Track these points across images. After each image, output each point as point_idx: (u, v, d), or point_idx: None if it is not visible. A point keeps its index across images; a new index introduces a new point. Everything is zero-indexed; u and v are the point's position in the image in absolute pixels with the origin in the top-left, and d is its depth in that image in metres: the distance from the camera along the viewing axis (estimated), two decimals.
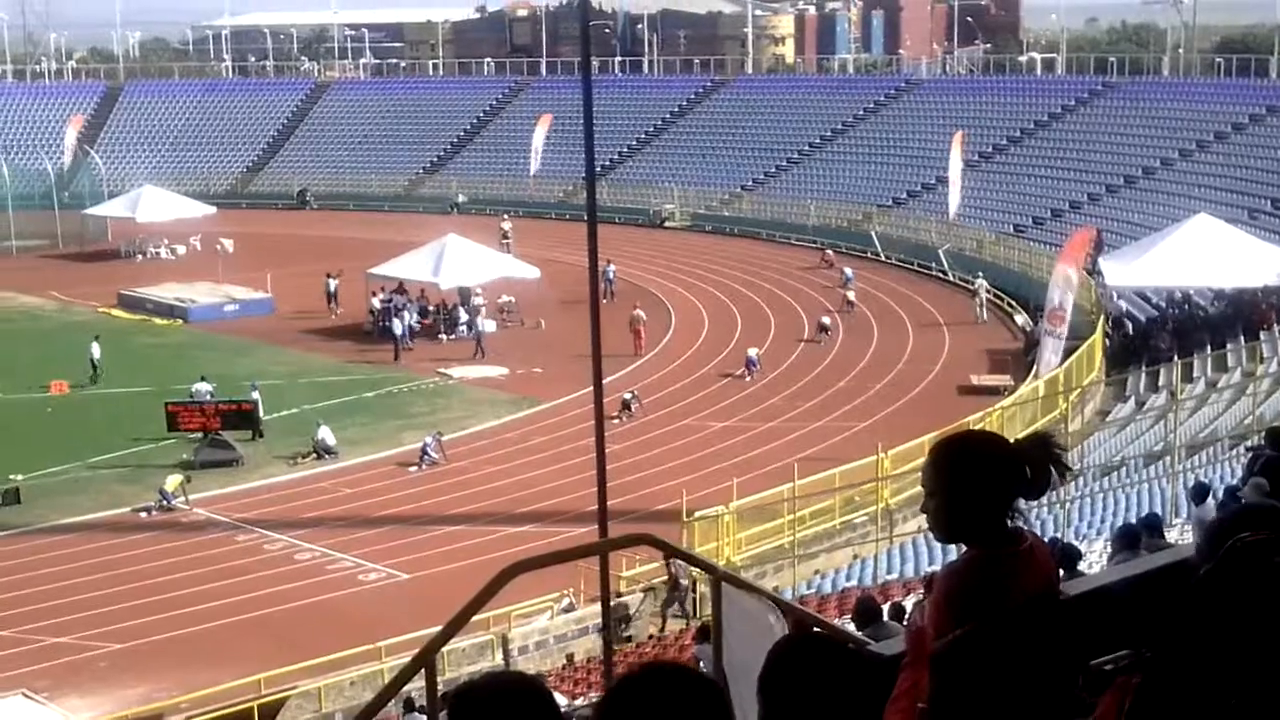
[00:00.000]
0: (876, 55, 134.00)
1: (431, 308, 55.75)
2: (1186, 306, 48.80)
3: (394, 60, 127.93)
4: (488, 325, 54.77)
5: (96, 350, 49.18)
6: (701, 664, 18.09)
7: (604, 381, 7.93)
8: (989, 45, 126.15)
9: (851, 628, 12.01)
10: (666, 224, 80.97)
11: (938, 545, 24.17)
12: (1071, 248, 46.21)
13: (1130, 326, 49.03)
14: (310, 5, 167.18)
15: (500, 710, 3.22)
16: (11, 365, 50.54)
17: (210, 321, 58.02)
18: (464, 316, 54.55)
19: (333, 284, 58.39)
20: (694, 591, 28.78)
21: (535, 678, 3.48)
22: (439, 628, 5.91)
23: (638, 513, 30.67)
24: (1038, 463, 4.09)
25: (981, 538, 4.08)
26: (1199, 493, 17.05)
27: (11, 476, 38.18)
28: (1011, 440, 4.19)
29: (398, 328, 52.04)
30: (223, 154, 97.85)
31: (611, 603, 26.13)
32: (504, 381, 48.67)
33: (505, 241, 68.43)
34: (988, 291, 56.11)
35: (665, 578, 28.67)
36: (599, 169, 79.20)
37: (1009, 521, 4.10)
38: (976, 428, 31.07)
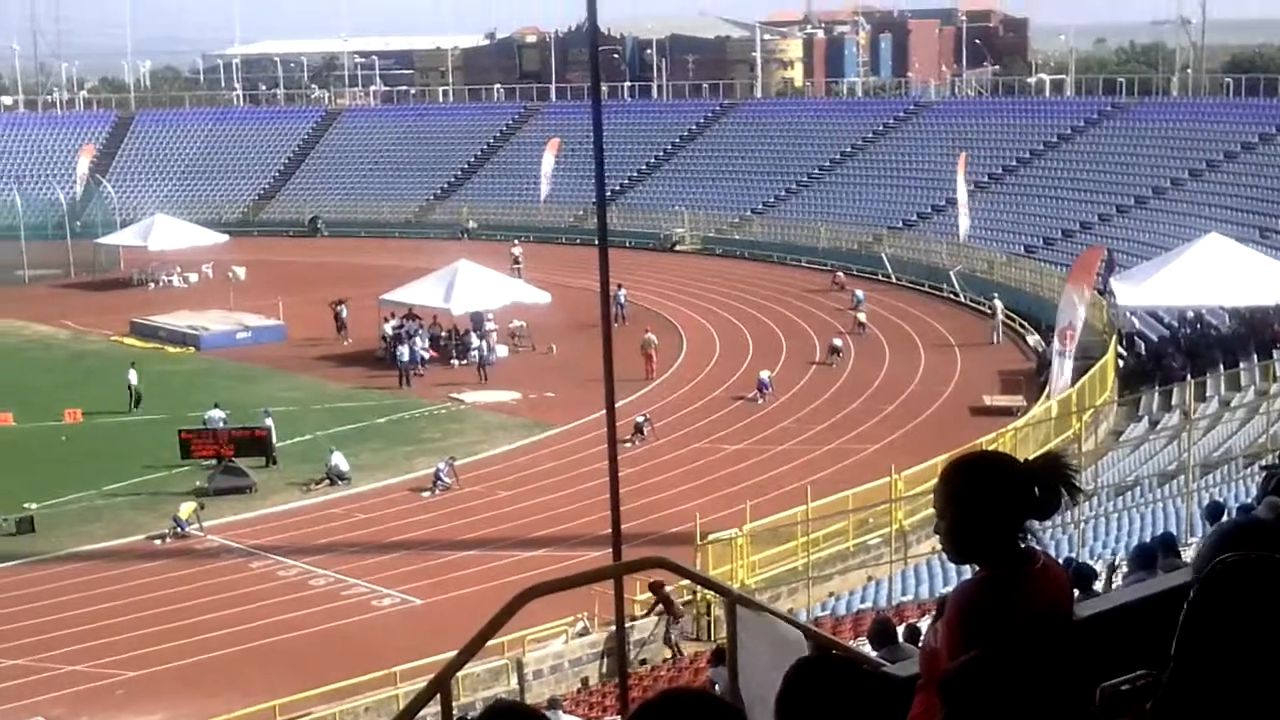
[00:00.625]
0: (885, 78, 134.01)
1: (444, 333, 55.78)
2: (1199, 326, 48.75)
3: (404, 87, 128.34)
4: (499, 350, 54.89)
5: (134, 377, 49.31)
6: (717, 687, 18.06)
7: (616, 405, 7.95)
8: (997, 67, 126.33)
9: (867, 649, 12.00)
10: (677, 248, 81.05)
11: (952, 566, 24.12)
12: (1080, 267, 46.22)
13: (1143, 346, 48.99)
14: (320, 33, 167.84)
15: None
16: (25, 394, 50.65)
17: (222, 349, 58.09)
18: (475, 342, 54.61)
19: (344, 310, 58.39)
20: (708, 614, 28.77)
21: (533, 709, 3.50)
22: (454, 653, 5.92)
23: (651, 536, 30.66)
24: (1048, 483, 4.10)
25: (992, 558, 4.09)
26: (1214, 512, 17.01)
27: (26, 505, 38.23)
28: (1022, 460, 4.21)
29: (404, 354, 52.07)
30: (234, 182, 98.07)
31: (626, 626, 26.10)
32: (516, 406, 48.69)
33: (516, 267, 68.55)
34: (1002, 313, 56.12)
35: (658, 606, 28.32)
36: (609, 193, 79.39)
37: (1021, 542, 4.12)
38: (988, 448, 31.16)
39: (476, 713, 3.33)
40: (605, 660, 27.55)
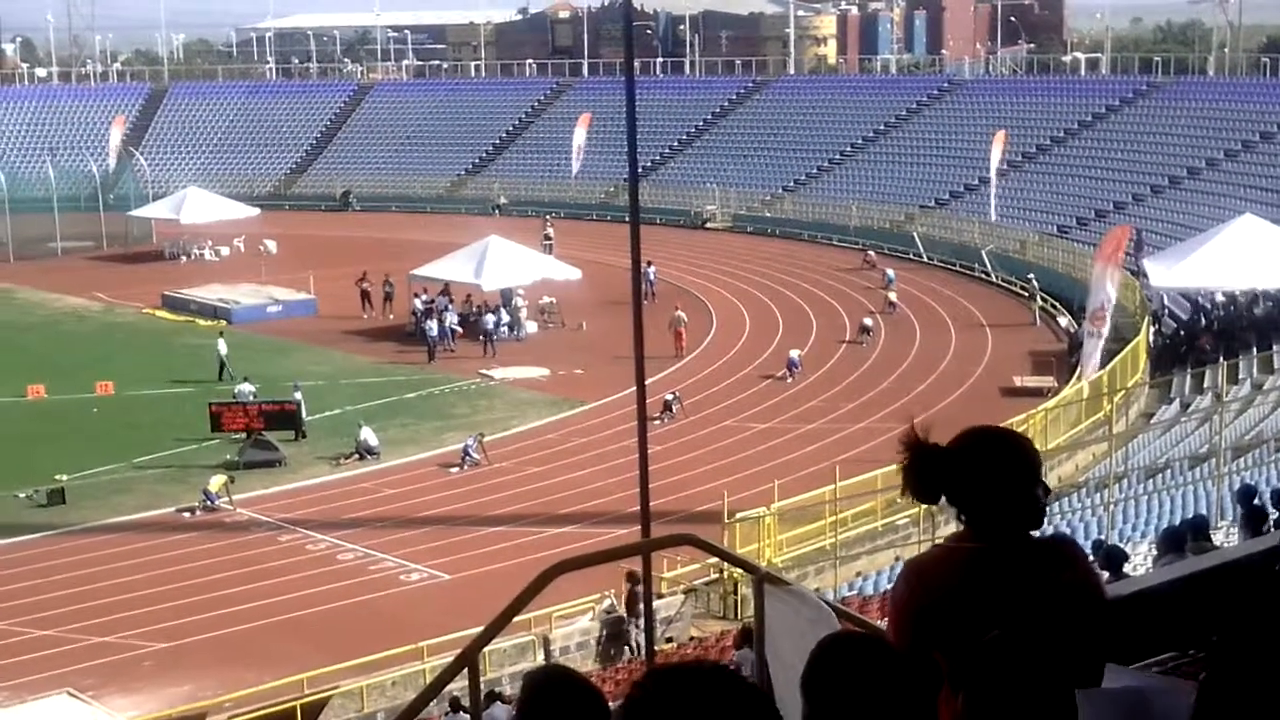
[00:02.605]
0: (919, 56, 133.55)
1: (474, 309, 55.76)
2: (1232, 308, 48.48)
3: (436, 62, 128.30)
4: (529, 326, 54.94)
5: (223, 347, 49.55)
6: (744, 668, 18.06)
7: (645, 383, 7.92)
8: (1032, 45, 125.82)
9: None
10: (708, 225, 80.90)
11: None
12: (1107, 246, 46.05)
13: (1175, 328, 48.74)
14: (353, 7, 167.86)
15: (574, 703, 3.26)
16: (57, 366, 50.89)
17: (253, 322, 58.21)
18: (505, 318, 54.65)
19: (390, 287, 58.24)
20: (735, 593, 28.72)
21: (579, 677, 3.50)
22: (481, 628, 5.91)
23: (679, 514, 30.65)
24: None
25: (977, 525, 4.09)
26: (1245, 495, 16.94)
27: (57, 476, 38.44)
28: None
29: (432, 329, 52.12)
30: (266, 156, 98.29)
31: (653, 604, 26.00)
32: (545, 383, 48.72)
33: (547, 243, 68.50)
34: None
35: (624, 598, 27.37)
36: (640, 170, 79.30)
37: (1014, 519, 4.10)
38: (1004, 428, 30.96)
39: (504, 687, 3.33)
40: (632, 637, 27.52)
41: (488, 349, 51.87)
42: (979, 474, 4.12)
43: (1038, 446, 4.29)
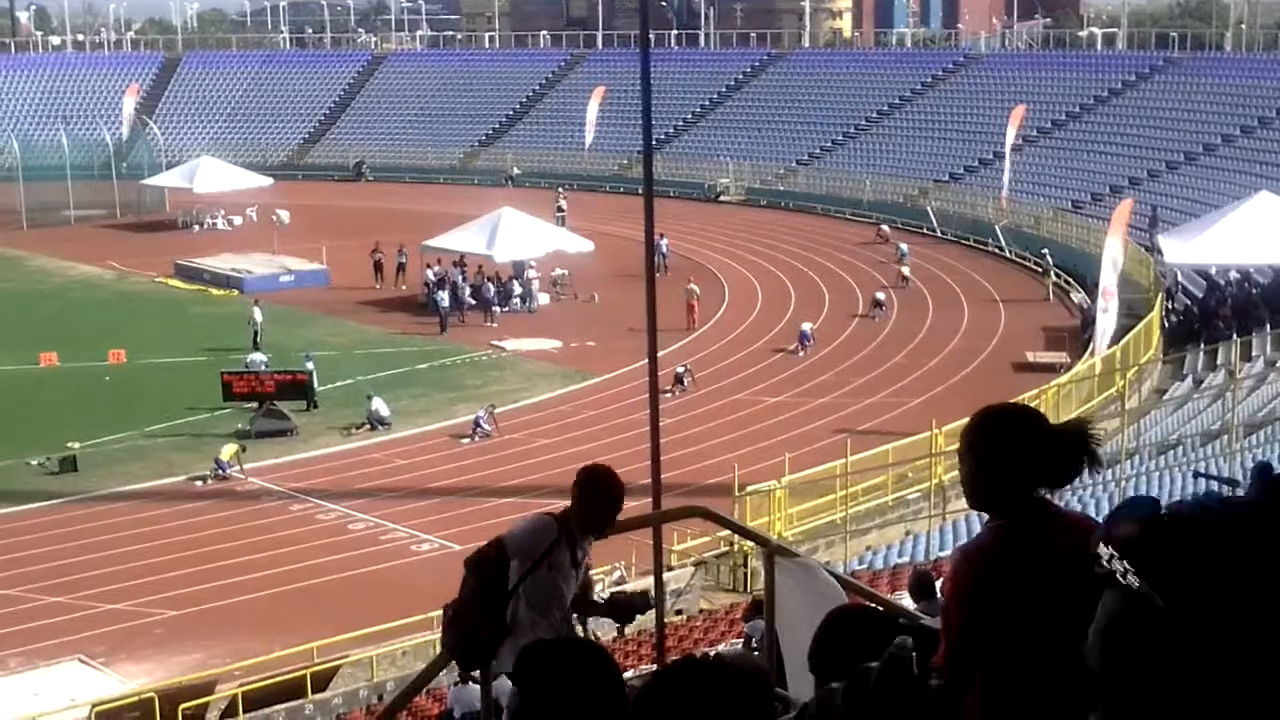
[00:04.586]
0: (935, 29, 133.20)
1: (488, 280, 55.75)
2: (1246, 284, 48.35)
3: (450, 32, 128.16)
4: (541, 298, 54.96)
5: (258, 314, 49.47)
6: (754, 639, 18.07)
7: (657, 355, 7.90)
8: (1049, 20, 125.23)
9: (906, 601, 11.97)
10: (721, 198, 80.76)
11: None
12: (1116, 220, 46.06)
13: (1189, 304, 48.63)
14: None
15: (568, 671, 3.22)
16: (70, 334, 50.96)
17: (266, 292, 58.09)
18: (518, 289, 54.70)
19: (404, 257, 58.25)
20: (745, 566, 28.73)
21: (600, 646, 3.47)
22: None
23: (689, 487, 30.62)
24: (1070, 452, 4.04)
25: (1003, 508, 4.07)
26: (1262, 470, 16.86)
27: (69, 444, 38.53)
28: (1051, 423, 4.18)
29: (444, 300, 52.13)
30: (279, 125, 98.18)
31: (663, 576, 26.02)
32: (557, 355, 48.71)
33: (560, 215, 68.46)
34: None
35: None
36: (654, 142, 79.09)
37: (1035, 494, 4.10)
38: (1020, 403, 30.75)
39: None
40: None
41: (487, 318, 52.04)
42: (971, 453, 4.17)
43: (1051, 421, 4.24)
